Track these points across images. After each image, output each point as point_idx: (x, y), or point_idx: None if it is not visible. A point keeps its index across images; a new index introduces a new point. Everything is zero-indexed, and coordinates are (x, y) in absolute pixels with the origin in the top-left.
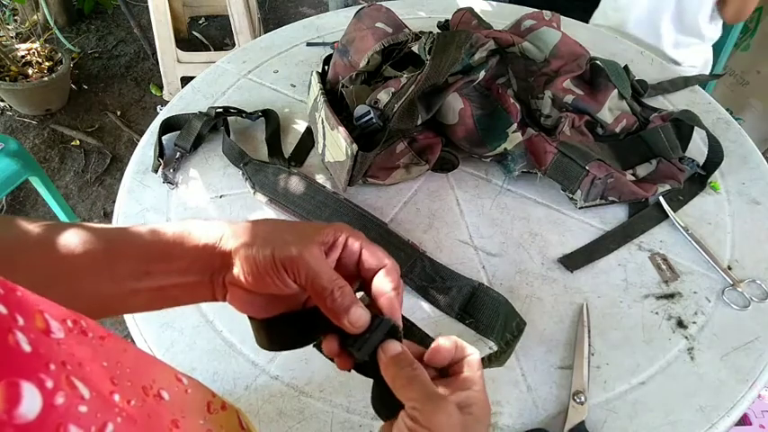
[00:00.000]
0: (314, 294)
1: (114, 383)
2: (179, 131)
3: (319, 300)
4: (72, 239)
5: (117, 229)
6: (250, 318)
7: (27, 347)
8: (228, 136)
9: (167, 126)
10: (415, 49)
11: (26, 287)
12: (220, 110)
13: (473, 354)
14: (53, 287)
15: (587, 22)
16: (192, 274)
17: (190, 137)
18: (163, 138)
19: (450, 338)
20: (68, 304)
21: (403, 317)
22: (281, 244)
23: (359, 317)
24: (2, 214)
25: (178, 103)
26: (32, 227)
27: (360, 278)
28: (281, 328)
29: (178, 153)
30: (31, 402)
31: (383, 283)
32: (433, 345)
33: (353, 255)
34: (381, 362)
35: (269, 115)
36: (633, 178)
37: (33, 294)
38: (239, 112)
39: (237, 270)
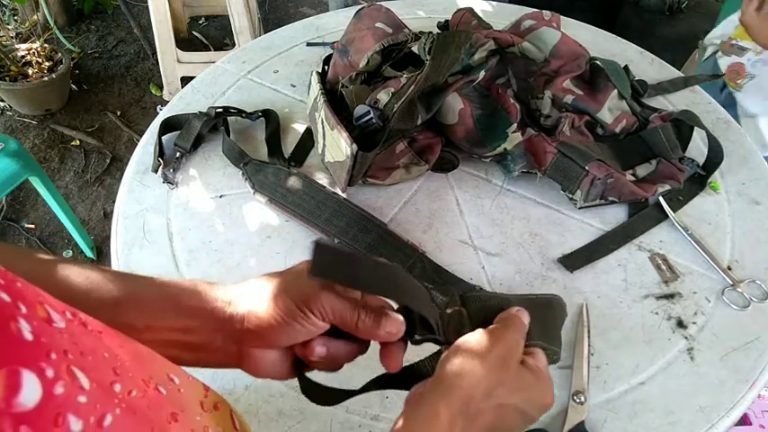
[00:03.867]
0: (342, 324)
1: (116, 374)
2: (179, 131)
3: (349, 327)
4: (83, 280)
5: (124, 277)
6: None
7: (29, 336)
8: (228, 136)
9: (167, 126)
10: (414, 49)
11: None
12: (220, 110)
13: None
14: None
15: (587, 22)
16: (198, 334)
17: (190, 137)
18: (163, 138)
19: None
20: None
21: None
22: (294, 290)
23: (392, 323)
24: (1, 214)
25: (178, 103)
26: (44, 260)
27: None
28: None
29: (178, 153)
30: (30, 391)
31: None
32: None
33: None
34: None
35: (269, 115)
36: (633, 178)
37: (33, 286)
38: (239, 112)
39: (257, 327)
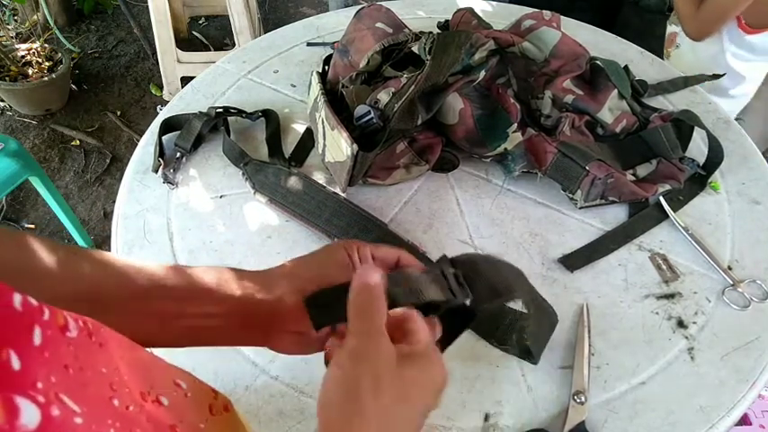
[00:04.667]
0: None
1: (113, 389)
2: (179, 131)
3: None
4: (113, 272)
5: (153, 267)
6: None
7: (17, 365)
8: (228, 136)
9: (167, 126)
10: (415, 49)
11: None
12: (220, 110)
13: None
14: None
15: (587, 21)
16: (230, 317)
17: (190, 137)
18: (163, 138)
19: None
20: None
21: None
22: (320, 279)
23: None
24: (2, 214)
25: (178, 103)
26: (72, 252)
27: None
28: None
29: (178, 153)
30: (30, 414)
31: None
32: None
33: (368, 260)
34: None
35: (269, 115)
36: (633, 178)
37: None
38: (239, 112)
39: (287, 314)
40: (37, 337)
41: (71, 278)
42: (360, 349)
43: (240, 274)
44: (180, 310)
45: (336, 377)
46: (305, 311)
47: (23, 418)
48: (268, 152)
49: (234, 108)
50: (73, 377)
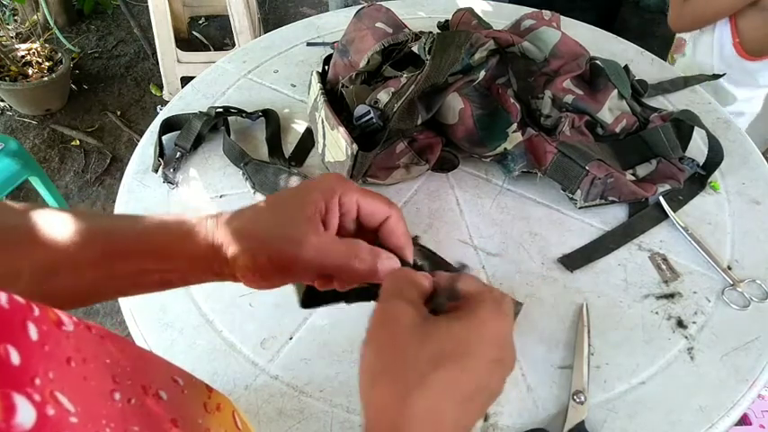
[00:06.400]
0: (336, 274)
1: (116, 381)
2: (179, 131)
3: (345, 275)
4: (74, 230)
5: (112, 221)
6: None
7: (16, 360)
8: (229, 136)
9: (167, 126)
10: (415, 49)
11: (31, 273)
12: (221, 110)
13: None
14: (57, 276)
15: (587, 21)
16: (190, 272)
17: (190, 136)
18: (163, 138)
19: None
20: (71, 292)
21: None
22: (277, 245)
23: (389, 268)
24: None
25: (178, 102)
26: (37, 214)
27: (365, 230)
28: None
29: (178, 153)
30: (26, 413)
31: (393, 234)
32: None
33: (351, 212)
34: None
35: (269, 115)
36: (633, 178)
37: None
38: (239, 112)
39: (242, 271)
40: (33, 333)
41: (26, 243)
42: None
43: (196, 221)
44: (143, 267)
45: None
46: (256, 271)
47: (19, 417)
48: (268, 152)
49: (234, 108)
50: (75, 370)
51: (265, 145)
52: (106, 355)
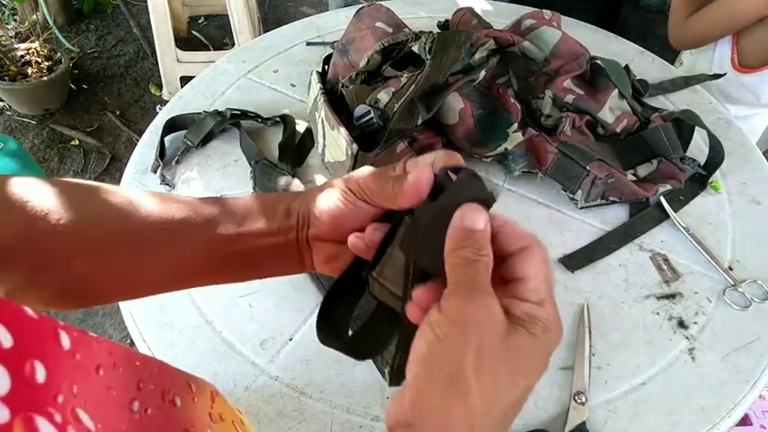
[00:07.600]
0: (380, 198)
1: (139, 388)
2: (183, 131)
3: (384, 199)
4: (165, 208)
5: (200, 199)
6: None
7: (41, 377)
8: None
9: (171, 125)
10: (415, 48)
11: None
12: (237, 112)
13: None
14: (152, 255)
15: (587, 21)
16: (278, 235)
17: (200, 133)
18: (165, 138)
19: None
20: (161, 272)
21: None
22: (342, 180)
23: (419, 175)
24: None
25: (178, 102)
26: (121, 195)
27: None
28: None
29: (180, 151)
30: None
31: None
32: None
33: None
34: (450, 230)
35: (286, 120)
36: (634, 178)
37: None
38: (256, 117)
39: (318, 221)
40: (65, 341)
41: (114, 232)
42: (463, 313)
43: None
44: (238, 231)
45: (433, 347)
46: (341, 204)
47: None
48: (278, 156)
49: (251, 112)
50: (101, 380)
51: (270, 147)
52: (136, 358)
